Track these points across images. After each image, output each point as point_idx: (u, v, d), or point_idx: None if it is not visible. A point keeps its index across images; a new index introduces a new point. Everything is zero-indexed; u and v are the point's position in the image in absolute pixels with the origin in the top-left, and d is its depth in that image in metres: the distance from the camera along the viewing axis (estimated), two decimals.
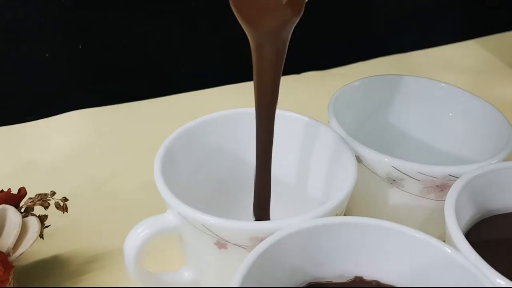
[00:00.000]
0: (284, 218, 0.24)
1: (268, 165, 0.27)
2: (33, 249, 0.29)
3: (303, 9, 0.22)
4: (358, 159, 0.30)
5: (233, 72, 0.46)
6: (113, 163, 0.41)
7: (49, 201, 0.30)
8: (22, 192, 0.30)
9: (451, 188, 0.26)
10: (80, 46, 0.47)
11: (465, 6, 0.62)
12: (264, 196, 0.28)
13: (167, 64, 0.51)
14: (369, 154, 0.30)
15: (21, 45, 0.45)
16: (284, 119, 0.32)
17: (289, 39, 0.24)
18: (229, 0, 0.23)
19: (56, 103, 0.47)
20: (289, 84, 0.51)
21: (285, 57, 0.24)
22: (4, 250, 0.27)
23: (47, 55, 0.46)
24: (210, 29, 0.51)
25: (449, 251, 0.22)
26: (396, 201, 0.31)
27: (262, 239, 0.22)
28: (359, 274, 0.24)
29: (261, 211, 0.28)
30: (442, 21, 0.61)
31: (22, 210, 0.30)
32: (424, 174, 0.28)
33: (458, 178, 0.27)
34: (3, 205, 0.28)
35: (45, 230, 0.30)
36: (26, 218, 0.29)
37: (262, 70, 0.24)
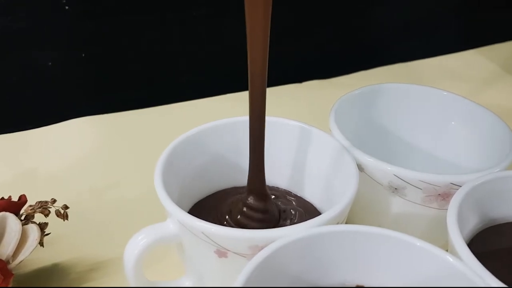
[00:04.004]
0: (285, 226, 0.24)
1: (262, 121, 0.27)
2: (33, 256, 0.29)
3: None
4: (360, 168, 0.30)
5: (233, 81, 0.46)
6: (114, 171, 0.41)
7: (49, 209, 0.30)
8: (22, 199, 0.30)
9: (453, 197, 0.26)
10: (83, 55, 0.47)
11: (467, 15, 0.62)
12: (258, 167, 0.28)
13: (167, 73, 0.51)
14: (371, 163, 0.29)
15: (24, 54, 0.46)
16: (286, 127, 0.32)
17: None
18: None
19: (58, 111, 0.47)
20: (291, 93, 0.51)
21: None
22: (3, 258, 0.27)
23: (50, 63, 0.47)
24: (210, 38, 0.51)
25: (452, 260, 0.22)
26: (398, 210, 0.30)
27: (262, 248, 0.22)
28: (360, 283, 0.24)
29: (257, 181, 0.28)
30: (444, 30, 0.61)
31: (22, 217, 0.30)
32: (426, 183, 0.28)
33: (460, 186, 0.27)
34: (3, 213, 0.28)
35: (45, 238, 0.30)
36: (26, 226, 0.29)
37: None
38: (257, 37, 0.24)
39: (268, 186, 0.30)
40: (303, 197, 0.32)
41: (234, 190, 0.32)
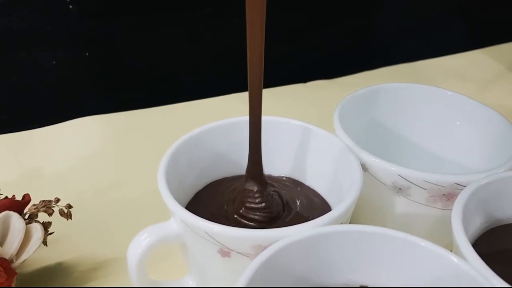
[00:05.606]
0: (289, 226, 0.24)
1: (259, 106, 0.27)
2: (36, 255, 0.29)
3: None
4: (364, 168, 0.29)
5: (236, 81, 0.46)
6: (117, 170, 0.41)
7: (53, 208, 0.30)
8: (26, 198, 0.30)
9: (458, 197, 0.26)
10: (87, 54, 0.47)
11: (471, 16, 0.62)
12: (256, 151, 0.28)
13: (171, 72, 0.52)
14: (375, 163, 0.29)
15: (27, 53, 0.46)
16: (290, 127, 0.32)
17: None
18: None
19: (60, 111, 0.47)
20: (295, 93, 0.51)
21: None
22: (7, 257, 0.27)
23: (54, 62, 0.47)
24: (213, 39, 0.51)
25: (456, 261, 0.22)
26: (402, 210, 0.30)
27: (265, 247, 0.22)
28: (364, 282, 0.24)
29: (255, 166, 0.28)
30: (448, 31, 0.61)
31: (26, 216, 0.30)
32: (431, 183, 0.28)
33: (465, 187, 0.27)
34: (7, 212, 0.28)
35: (49, 237, 0.30)
36: (29, 225, 0.29)
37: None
38: (254, 38, 0.24)
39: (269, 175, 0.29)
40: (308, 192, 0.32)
41: (233, 178, 0.32)
